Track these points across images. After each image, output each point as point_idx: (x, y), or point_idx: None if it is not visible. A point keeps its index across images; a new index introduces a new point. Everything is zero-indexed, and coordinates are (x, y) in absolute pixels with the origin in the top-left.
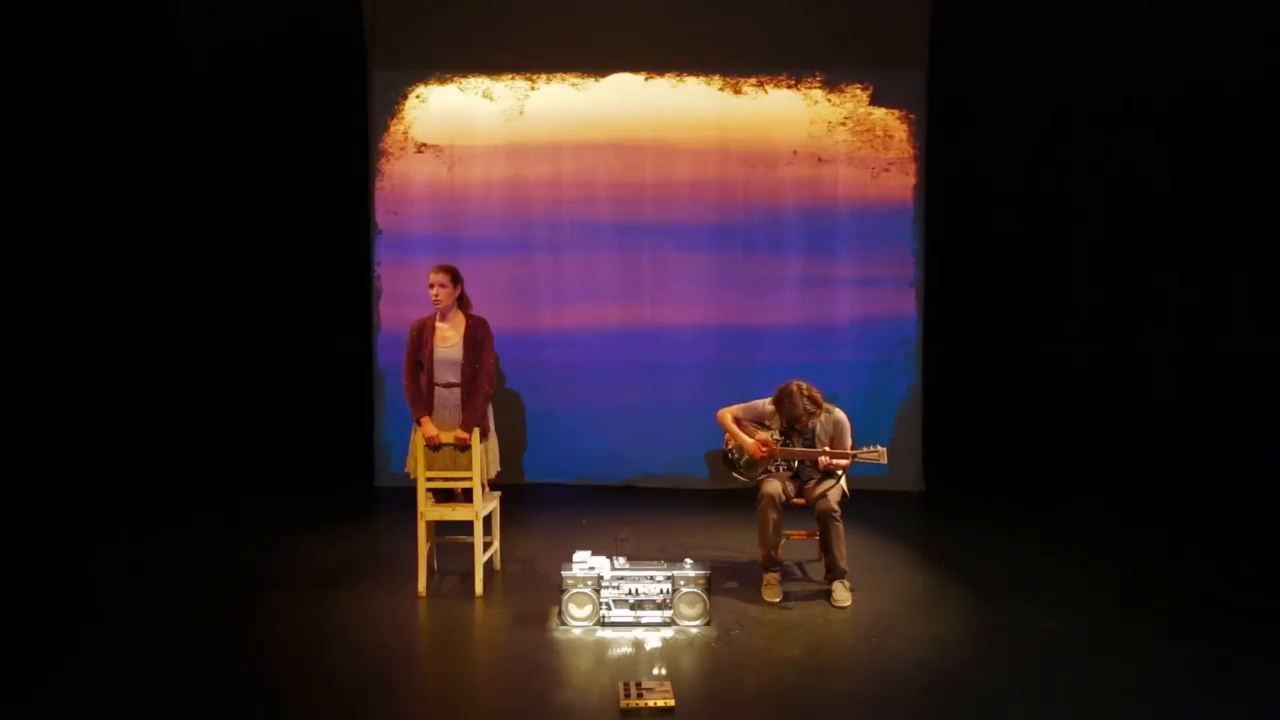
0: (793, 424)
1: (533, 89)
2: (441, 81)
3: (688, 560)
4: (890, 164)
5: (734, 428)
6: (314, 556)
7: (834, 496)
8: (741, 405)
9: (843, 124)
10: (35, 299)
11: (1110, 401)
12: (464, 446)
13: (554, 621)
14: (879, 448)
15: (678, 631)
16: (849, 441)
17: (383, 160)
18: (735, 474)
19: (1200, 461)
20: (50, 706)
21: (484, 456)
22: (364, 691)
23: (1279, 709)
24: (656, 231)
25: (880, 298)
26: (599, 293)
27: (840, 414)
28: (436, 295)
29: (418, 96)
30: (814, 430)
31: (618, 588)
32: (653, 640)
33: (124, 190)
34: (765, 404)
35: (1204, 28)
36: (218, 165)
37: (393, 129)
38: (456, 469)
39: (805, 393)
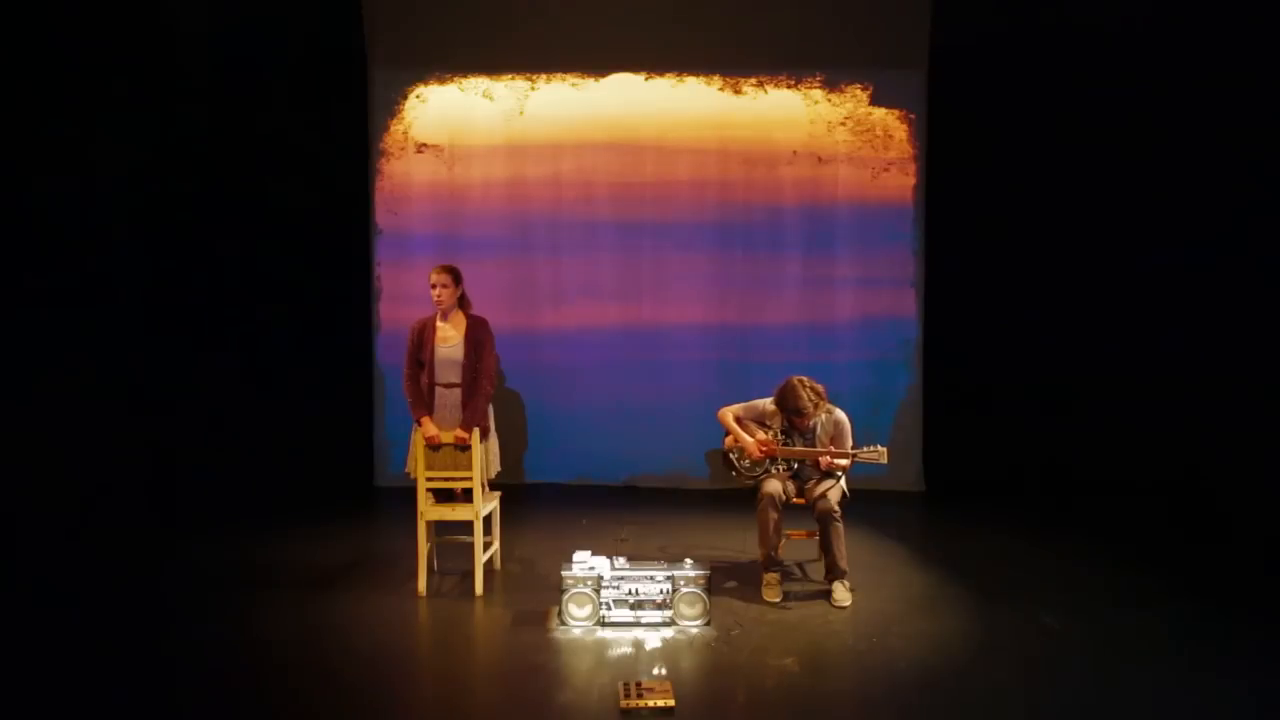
0: (795, 418)
1: (533, 89)
2: (441, 81)
3: (688, 560)
4: (890, 164)
5: (735, 427)
6: (314, 556)
7: (834, 496)
8: (742, 404)
9: (843, 124)
10: (32, 297)
11: (1110, 401)
12: (464, 446)
13: (554, 621)
14: (879, 448)
15: (678, 631)
16: (849, 442)
17: (383, 160)
18: (735, 474)
19: (1200, 460)
20: (50, 706)
21: (484, 456)
22: (364, 691)
23: (1279, 709)
24: (656, 231)
25: (880, 298)
26: (599, 292)
27: (841, 414)
28: (439, 295)
29: (418, 96)
30: (814, 430)
31: (618, 588)
32: (653, 640)
33: (122, 190)
34: (766, 403)
35: (1202, 28)
36: (218, 165)
37: (393, 129)
38: (456, 469)
39: (808, 385)
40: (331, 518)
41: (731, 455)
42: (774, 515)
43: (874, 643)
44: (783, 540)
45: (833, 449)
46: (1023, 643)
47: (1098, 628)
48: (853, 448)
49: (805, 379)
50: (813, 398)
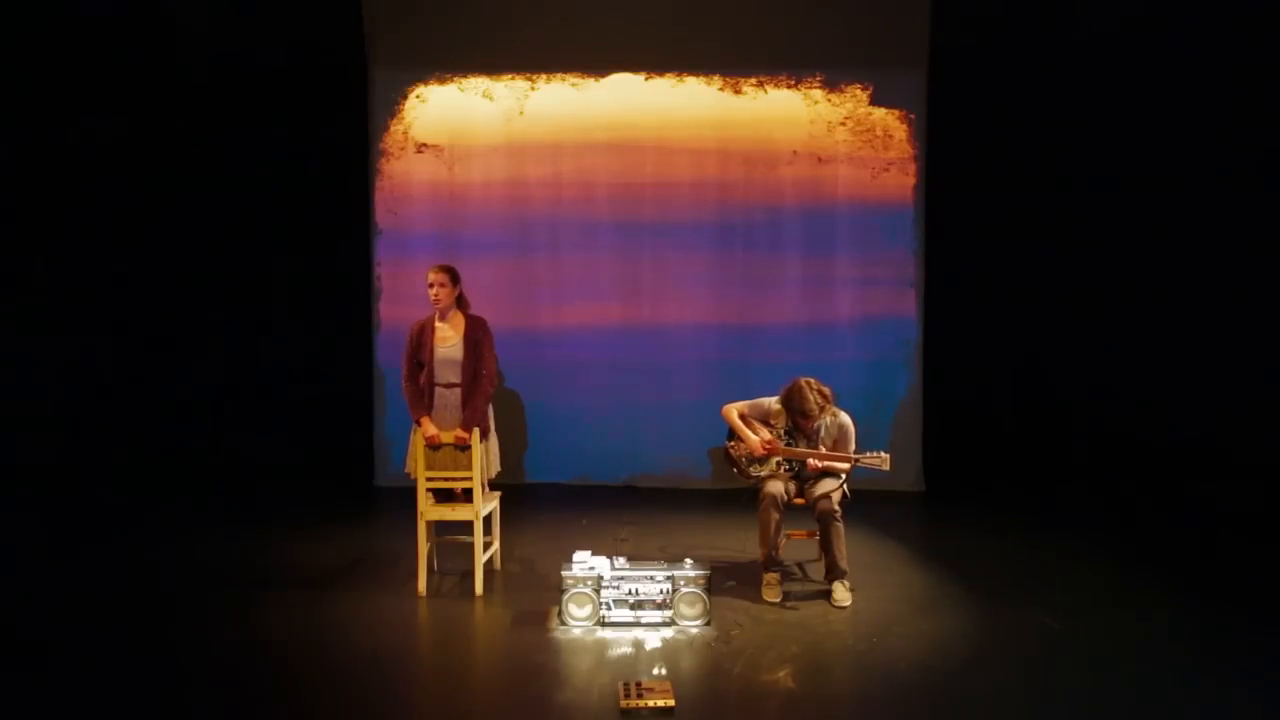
0: (801, 420)
1: (533, 89)
2: (441, 81)
3: (688, 560)
4: (890, 164)
5: (739, 424)
6: (314, 556)
7: (835, 497)
8: (747, 402)
9: (843, 124)
10: (30, 298)
11: (1110, 401)
12: (464, 446)
13: (554, 621)
14: (882, 454)
15: (678, 631)
16: (852, 446)
17: (383, 160)
18: (737, 472)
19: (1200, 460)
20: (50, 706)
21: (484, 456)
22: (364, 691)
23: (1278, 708)
24: (656, 231)
25: (880, 298)
26: (599, 292)
27: (845, 417)
28: (436, 295)
29: (418, 96)
30: (818, 432)
31: (618, 588)
32: (653, 640)
33: (122, 189)
34: (771, 402)
35: (1202, 26)
36: (218, 165)
37: (393, 129)
38: (456, 469)
39: (815, 387)
40: (331, 518)
41: (734, 453)
42: (775, 516)
43: (874, 643)
44: (783, 540)
45: (834, 454)
46: (1023, 643)
47: (1098, 628)
48: (855, 452)
49: (813, 381)
50: (819, 400)
